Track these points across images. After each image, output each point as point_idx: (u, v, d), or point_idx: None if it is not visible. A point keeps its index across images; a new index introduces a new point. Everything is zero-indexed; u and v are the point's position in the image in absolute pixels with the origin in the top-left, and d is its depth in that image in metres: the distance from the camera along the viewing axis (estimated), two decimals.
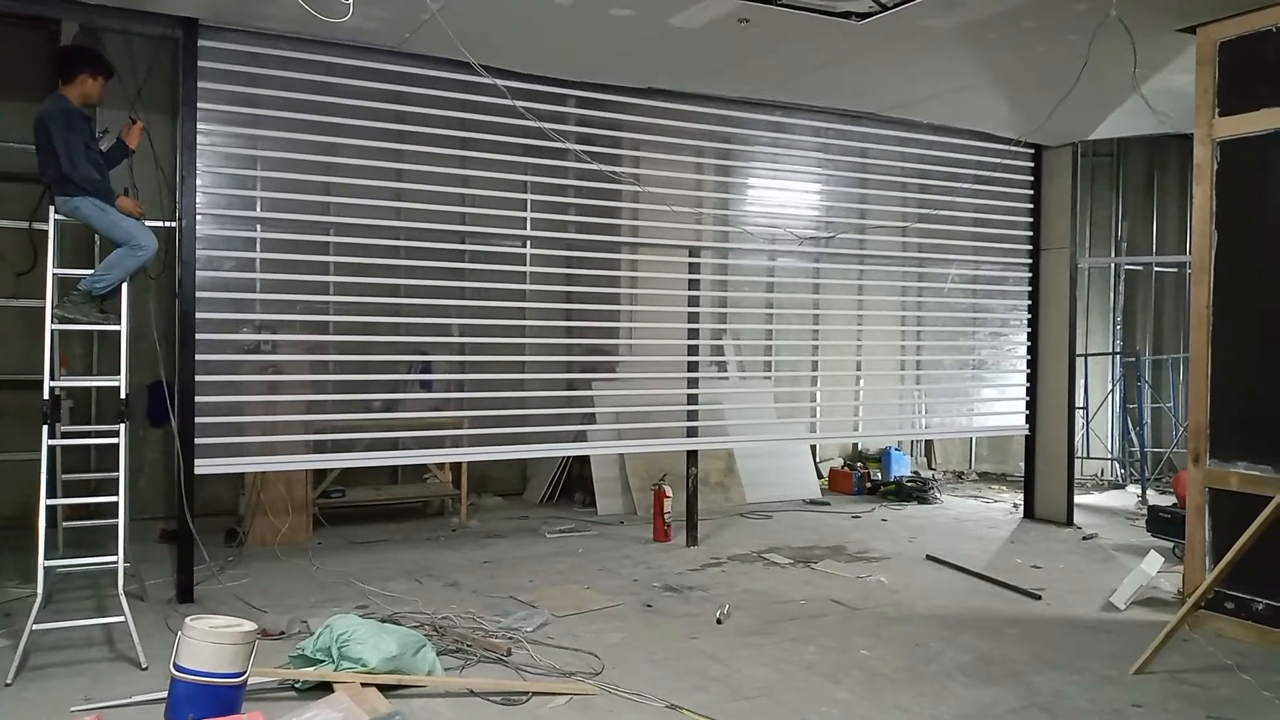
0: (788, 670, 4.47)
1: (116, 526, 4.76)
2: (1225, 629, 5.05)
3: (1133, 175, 11.34)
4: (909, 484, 9.38)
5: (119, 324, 4.93)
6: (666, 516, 7.18)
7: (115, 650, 4.55)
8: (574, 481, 8.80)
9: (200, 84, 5.49)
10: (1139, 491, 9.51)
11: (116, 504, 4.76)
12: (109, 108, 6.01)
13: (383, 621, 4.50)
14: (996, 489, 9.94)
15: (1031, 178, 8.36)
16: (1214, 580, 4.73)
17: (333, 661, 4.04)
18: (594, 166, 6.33)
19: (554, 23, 5.49)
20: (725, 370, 8.99)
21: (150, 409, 7.24)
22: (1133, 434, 10.34)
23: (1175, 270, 11.01)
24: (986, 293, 8.50)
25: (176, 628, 3.78)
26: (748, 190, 7.72)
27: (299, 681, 4.05)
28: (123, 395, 4.87)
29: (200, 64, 5.49)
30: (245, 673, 3.65)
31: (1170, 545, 6.65)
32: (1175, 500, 7.28)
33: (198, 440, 5.51)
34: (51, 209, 4.88)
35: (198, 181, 5.54)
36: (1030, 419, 8.45)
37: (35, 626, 4.30)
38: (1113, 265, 11.33)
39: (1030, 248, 8.41)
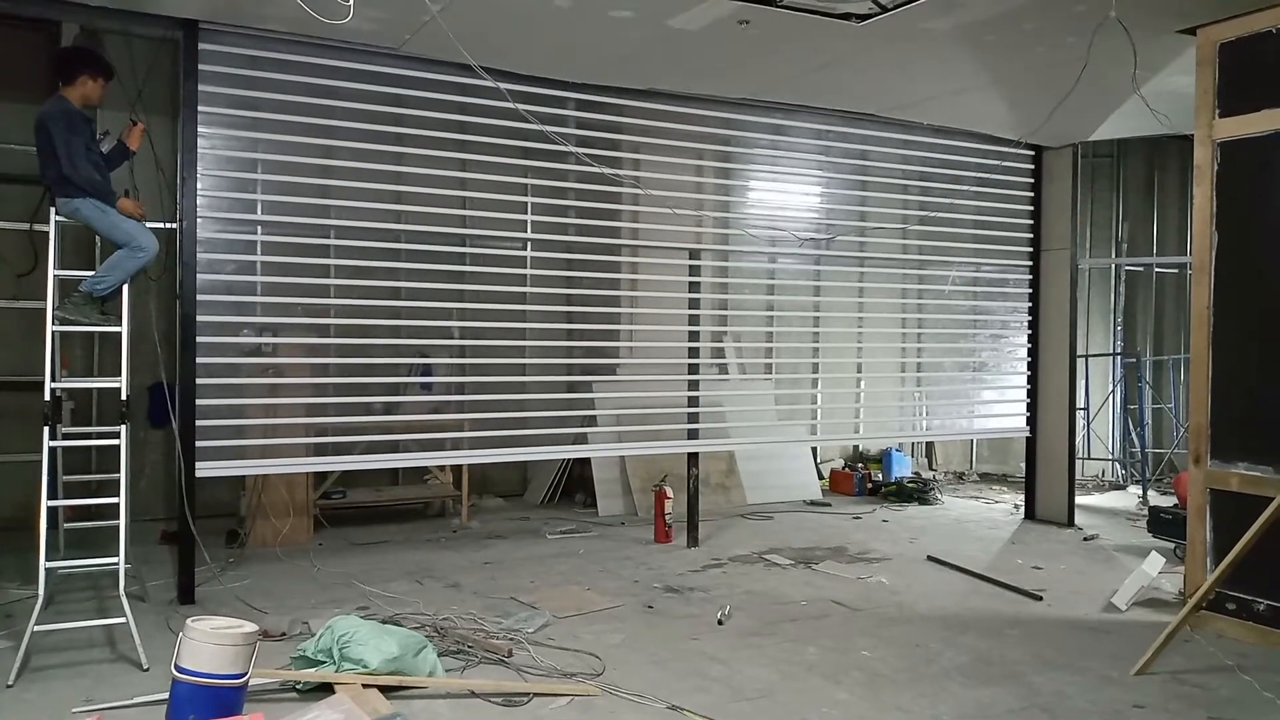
0: (788, 671, 4.47)
1: (117, 528, 4.76)
2: (1226, 630, 5.05)
3: (1133, 176, 11.34)
4: (910, 485, 9.37)
5: (120, 325, 4.94)
6: (667, 517, 7.18)
7: (116, 651, 4.55)
8: (575, 483, 8.80)
9: (200, 86, 5.48)
10: (1140, 492, 9.51)
11: (117, 505, 4.76)
12: (109, 109, 6.03)
13: (384, 623, 4.50)
14: (997, 490, 9.93)
15: (1032, 179, 8.36)
16: (1215, 581, 4.73)
17: (334, 663, 4.04)
18: (594, 168, 6.34)
19: (554, 24, 5.49)
20: (726, 372, 8.99)
21: (151, 410, 7.23)
22: (1133, 435, 10.35)
23: (1176, 271, 11.00)
24: (987, 294, 8.50)
25: (177, 629, 3.77)
26: (748, 192, 7.71)
27: (300, 683, 4.06)
28: (123, 396, 4.87)
29: (200, 66, 5.48)
30: (246, 674, 3.64)
31: (1171, 546, 6.64)
32: (1176, 501, 7.28)
33: (198, 442, 5.51)
34: (52, 210, 4.89)
35: (198, 183, 5.53)
36: (1031, 420, 8.44)
37: (36, 628, 4.30)
38: (1113, 266, 11.33)
39: (1031, 249, 8.40)
